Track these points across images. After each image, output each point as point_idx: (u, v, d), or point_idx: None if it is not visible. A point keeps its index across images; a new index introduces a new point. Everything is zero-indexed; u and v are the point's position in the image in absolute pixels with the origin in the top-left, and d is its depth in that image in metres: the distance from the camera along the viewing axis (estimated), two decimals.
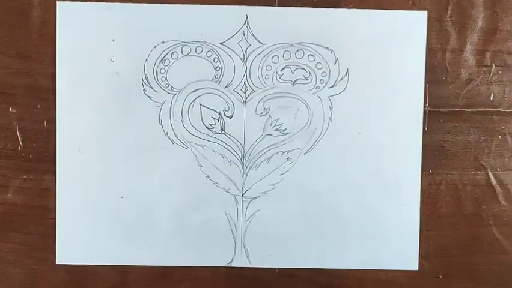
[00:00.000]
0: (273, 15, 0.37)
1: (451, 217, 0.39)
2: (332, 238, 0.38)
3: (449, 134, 0.39)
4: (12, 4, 0.38)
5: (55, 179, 0.38)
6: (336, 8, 0.37)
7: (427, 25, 0.38)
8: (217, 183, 0.38)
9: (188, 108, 0.38)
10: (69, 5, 0.37)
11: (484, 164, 0.39)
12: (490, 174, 0.39)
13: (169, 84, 0.37)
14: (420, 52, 0.38)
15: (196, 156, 0.38)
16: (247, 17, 0.37)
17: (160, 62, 0.37)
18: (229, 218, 0.38)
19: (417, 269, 0.38)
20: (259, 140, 0.38)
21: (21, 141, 0.38)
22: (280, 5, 0.37)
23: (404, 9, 0.38)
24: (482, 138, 0.39)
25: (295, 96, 0.38)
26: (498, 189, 0.39)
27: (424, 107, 0.38)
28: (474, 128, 0.39)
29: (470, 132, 0.39)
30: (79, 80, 0.37)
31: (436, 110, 0.38)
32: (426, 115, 0.38)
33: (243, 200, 0.38)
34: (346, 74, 0.38)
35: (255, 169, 0.38)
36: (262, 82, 0.38)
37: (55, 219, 0.38)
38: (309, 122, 0.38)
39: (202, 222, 0.38)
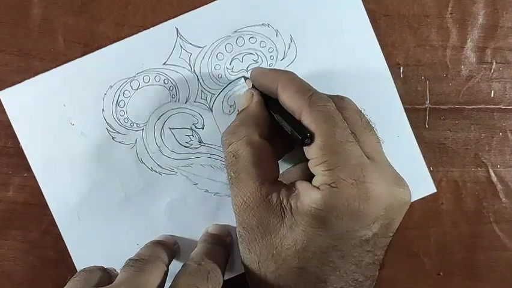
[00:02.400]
0: (200, 16, 0.37)
1: (452, 214, 0.39)
2: None
3: (449, 131, 0.39)
4: (12, 1, 0.38)
5: None
6: None
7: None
8: (218, 193, 0.38)
9: (161, 136, 0.37)
10: (10, 91, 0.37)
11: (484, 161, 0.39)
12: (491, 171, 0.39)
13: (133, 123, 0.37)
14: (360, 11, 0.37)
15: (187, 177, 0.37)
16: (177, 29, 0.37)
17: (116, 106, 0.37)
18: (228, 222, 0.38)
19: (435, 190, 0.38)
20: None
21: None
22: (201, 4, 0.37)
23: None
24: (483, 135, 0.39)
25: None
26: (499, 186, 0.39)
27: (425, 104, 0.38)
28: (475, 125, 0.39)
29: (470, 129, 0.39)
30: (50, 155, 0.37)
31: (437, 107, 0.38)
32: (427, 112, 0.38)
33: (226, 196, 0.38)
34: (291, 41, 0.37)
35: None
36: (217, 82, 0.37)
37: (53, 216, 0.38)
38: None
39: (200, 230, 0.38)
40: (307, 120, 0.29)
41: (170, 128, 0.37)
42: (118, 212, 0.37)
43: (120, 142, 0.37)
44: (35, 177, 0.38)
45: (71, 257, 0.38)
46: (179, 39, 0.37)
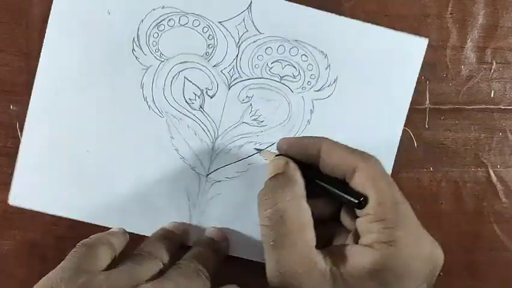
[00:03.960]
0: (277, 7, 0.37)
1: (452, 214, 0.39)
2: None
3: (449, 131, 0.39)
4: (12, 2, 0.38)
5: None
6: (337, 6, 0.37)
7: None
8: (184, 158, 0.38)
9: (173, 78, 0.37)
10: None
11: (484, 161, 0.39)
12: (491, 171, 0.39)
13: (158, 50, 0.37)
14: (413, 77, 0.38)
15: (169, 127, 0.37)
16: (251, 3, 0.37)
17: (155, 26, 0.37)
18: (190, 195, 0.38)
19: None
20: (235, 125, 0.38)
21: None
22: None
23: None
24: (483, 135, 0.39)
25: (279, 91, 0.38)
26: (499, 186, 0.39)
27: (425, 104, 0.38)
28: (475, 125, 0.39)
29: (470, 129, 0.39)
30: (69, 24, 0.37)
31: (437, 107, 0.38)
32: (427, 112, 0.38)
33: (206, 180, 0.38)
34: (334, 82, 0.38)
35: (225, 153, 0.38)
36: (251, 70, 0.37)
37: (55, 216, 0.38)
38: (287, 120, 0.38)
39: (162, 194, 0.38)
40: (365, 175, 0.29)
41: (185, 77, 0.37)
42: (90, 109, 0.37)
43: (136, 57, 0.37)
44: None
45: None
46: (247, 12, 0.37)
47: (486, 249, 0.39)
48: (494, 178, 0.39)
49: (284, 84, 0.38)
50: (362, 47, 0.37)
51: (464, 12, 0.38)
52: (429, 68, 0.38)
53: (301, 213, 0.29)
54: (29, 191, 0.37)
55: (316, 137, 0.33)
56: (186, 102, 0.37)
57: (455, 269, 0.39)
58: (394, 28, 0.38)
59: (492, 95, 0.38)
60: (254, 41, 0.37)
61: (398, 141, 0.38)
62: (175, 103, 0.37)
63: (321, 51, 0.37)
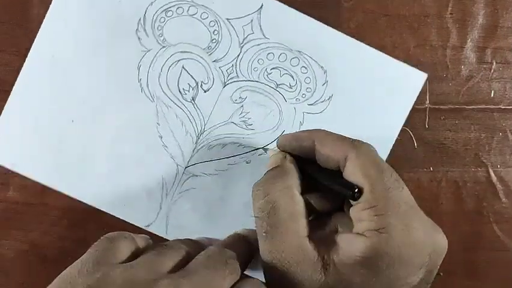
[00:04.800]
0: (286, 15, 0.37)
1: (452, 214, 0.39)
2: None
3: (449, 131, 0.39)
4: (12, 2, 0.38)
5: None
6: (337, 6, 0.37)
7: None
8: (166, 146, 0.38)
9: (171, 65, 0.37)
10: None
11: (484, 161, 0.39)
12: (491, 171, 0.39)
13: (162, 35, 0.37)
14: (407, 108, 0.38)
15: (158, 112, 0.37)
16: (261, 6, 0.37)
17: (163, 11, 0.37)
18: (164, 184, 0.38)
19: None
20: (222, 124, 0.38)
21: None
22: (297, 8, 0.37)
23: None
24: (483, 135, 0.39)
25: (273, 98, 0.38)
26: (499, 186, 0.39)
27: (425, 104, 0.38)
28: (475, 125, 0.39)
29: (470, 129, 0.39)
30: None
31: (437, 107, 0.38)
32: (427, 112, 0.38)
33: (184, 172, 0.38)
34: (329, 99, 0.38)
35: (208, 149, 0.38)
36: (249, 72, 0.37)
37: (55, 216, 0.38)
38: (275, 128, 0.38)
39: (138, 177, 0.38)
40: (355, 164, 0.29)
41: (183, 67, 0.37)
42: (82, 79, 0.37)
43: (139, 38, 0.37)
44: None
45: (70, 257, 0.38)
46: (256, 14, 0.37)
47: (486, 249, 0.39)
48: (494, 178, 0.39)
49: (279, 92, 0.38)
50: (363, 70, 0.38)
51: (464, 12, 0.38)
52: (429, 68, 0.38)
53: (292, 203, 0.29)
54: (4, 147, 0.37)
55: (311, 129, 0.33)
56: (179, 91, 0.37)
57: (455, 269, 0.39)
58: (394, 28, 0.38)
59: (492, 95, 0.38)
60: (258, 44, 0.37)
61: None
62: (168, 90, 0.37)
63: (322, 67, 0.38)
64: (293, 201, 0.30)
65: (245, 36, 0.37)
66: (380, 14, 0.38)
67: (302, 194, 0.31)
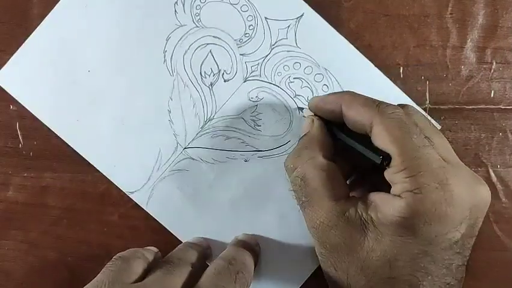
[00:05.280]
0: (323, 30, 0.37)
1: None
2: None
3: (449, 131, 0.39)
4: (12, 1, 0.38)
5: (56, 175, 0.38)
6: (337, 5, 0.37)
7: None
8: (172, 122, 0.38)
9: (199, 46, 0.37)
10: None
11: (484, 161, 0.39)
12: (491, 171, 0.39)
13: (199, 15, 0.37)
14: None
15: (173, 88, 0.37)
16: (302, 15, 0.37)
17: None
18: (159, 158, 0.38)
19: None
20: (233, 117, 0.38)
21: (22, 138, 0.38)
22: (335, 26, 0.37)
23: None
24: (483, 135, 0.39)
25: (287, 106, 0.38)
26: (499, 186, 0.39)
27: (425, 104, 0.38)
28: (475, 125, 0.39)
29: (470, 130, 0.39)
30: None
31: (436, 107, 0.38)
32: (427, 112, 0.38)
33: (181, 152, 0.38)
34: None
35: (211, 137, 0.38)
36: (272, 75, 0.38)
37: (55, 216, 0.38)
38: (281, 136, 0.38)
39: (136, 143, 0.38)
40: (380, 129, 0.29)
41: (210, 52, 0.37)
42: (107, 36, 0.37)
43: (175, 11, 0.37)
44: (35, 176, 0.38)
45: (70, 257, 0.38)
46: (294, 21, 0.37)
47: (486, 249, 0.39)
48: (494, 178, 0.39)
49: (295, 102, 0.38)
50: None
51: (464, 12, 0.38)
52: (429, 68, 0.38)
53: (320, 172, 0.30)
54: (16, 79, 0.38)
55: (339, 92, 0.34)
56: (200, 74, 0.38)
57: None
58: (394, 28, 0.38)
59: (492, 95, 0.38)
60: (288, 51, 0.37)
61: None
62: (189, 69, 0.37)
63: (343, 90, 0.37)
64: (321, 169, 0.30)
65: (278, 39, 0.37)
66: (380, 14, 0.38)
67: (337, 155, 0.32)
